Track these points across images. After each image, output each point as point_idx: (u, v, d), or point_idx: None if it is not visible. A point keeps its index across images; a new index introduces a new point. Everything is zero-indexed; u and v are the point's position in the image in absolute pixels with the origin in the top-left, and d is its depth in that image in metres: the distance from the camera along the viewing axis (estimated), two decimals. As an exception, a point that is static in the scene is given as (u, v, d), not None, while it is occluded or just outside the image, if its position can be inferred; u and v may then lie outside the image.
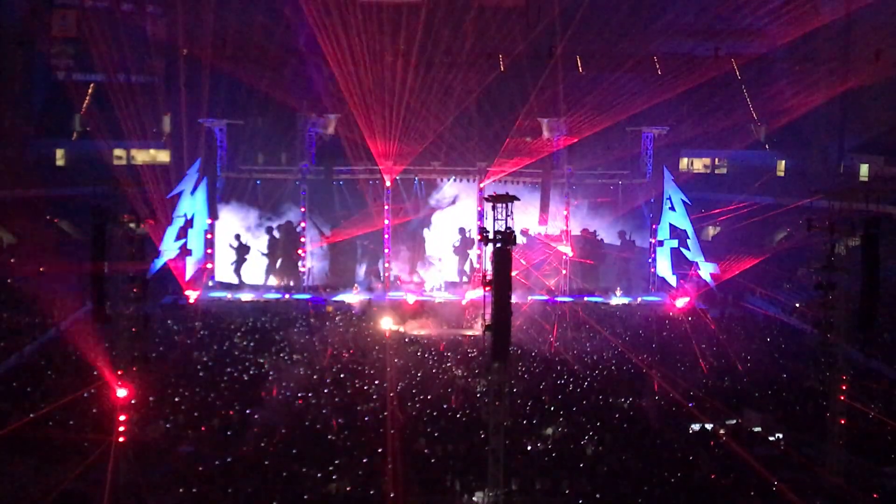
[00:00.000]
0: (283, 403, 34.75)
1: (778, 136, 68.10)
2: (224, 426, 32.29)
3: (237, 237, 57.49)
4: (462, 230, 59.08)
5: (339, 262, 59.09)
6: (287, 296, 55.45)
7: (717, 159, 69.48)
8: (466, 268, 58.84)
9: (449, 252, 59.39)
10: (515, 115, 57.51)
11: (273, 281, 58.07)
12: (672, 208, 55.66)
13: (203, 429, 32.07)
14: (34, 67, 66.17)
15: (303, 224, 57.46)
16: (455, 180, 58.58)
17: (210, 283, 56.36)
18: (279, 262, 58.61)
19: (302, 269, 57.75)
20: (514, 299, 26.47)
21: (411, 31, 57.82)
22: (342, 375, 38.16)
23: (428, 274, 58.67)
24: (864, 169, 65.27)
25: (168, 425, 32.19)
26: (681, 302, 53.32)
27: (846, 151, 67.37)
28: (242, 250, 57.76)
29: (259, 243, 58.76)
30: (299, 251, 57.76)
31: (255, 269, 58.85)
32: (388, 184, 57.04)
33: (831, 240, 29.32)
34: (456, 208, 59.90)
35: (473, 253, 58.48)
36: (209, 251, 56.67)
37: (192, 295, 53.21)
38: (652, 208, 57.44)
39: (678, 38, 63.12)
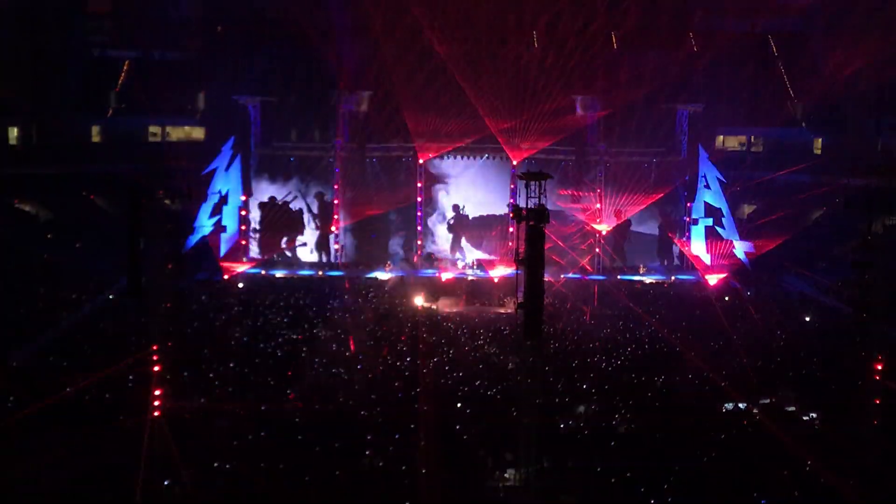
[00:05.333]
0: (316, 379, 34.94)
1: (815, 113, 67.35)
2: (258, 401, 32.50)
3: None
4: (456, 207, 59.31)
5: (363, 240, 59.37)
6: (321, 272, 55.78)
7: (752, 137, 68.82)
8: (464, 244, 59.33)
9: (443, 229, 59.68)
10: (549, 92, 57.16)
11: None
12: (707, 186, 55.33)
13: (237, 404, 32.30)
14: (70, 44, 66.48)
15: (336, 201, 57.57)
16: (488, 158, 58.50)
17: (244, 259, 56.71)
18: (265, 237, 58.75)
19: (336, 247, 58.01)
20: (546, 277, 26.40)
21: (446, 6, 57.51)
22: (375, 352, 38.33)
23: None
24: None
25: (203, 400, 32.45)
26: (714, 280, 53.05)
27: (883, 129, 66.48)
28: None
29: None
30: (332, 227, 58.01)
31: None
32: (421, 161, 57.11)
33: (868, 218, 29.00)
34: (450, 186, 59.97)
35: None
36: (243, 227, 57.00)
37: (239, 268, 54.05)
38: (687, 186, 57.15)
39: (714, 14, 62.43)
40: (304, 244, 59.02)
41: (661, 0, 58.20)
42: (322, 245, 59.04)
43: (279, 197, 58.67)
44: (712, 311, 46.52)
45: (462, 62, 55.59)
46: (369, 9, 56.29)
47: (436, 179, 59.49)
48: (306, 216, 59.10)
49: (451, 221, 59.40)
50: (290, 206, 58.69)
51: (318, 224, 58.91)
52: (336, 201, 57.57)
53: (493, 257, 57.05)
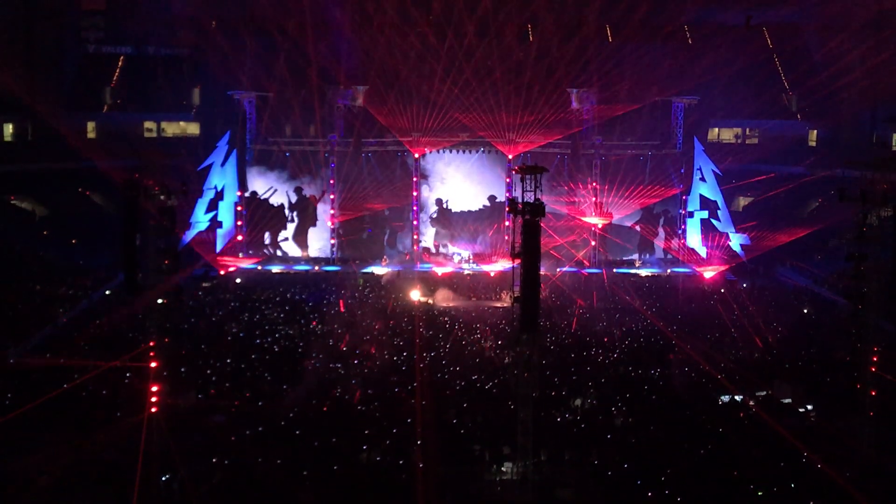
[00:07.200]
0: (313, 374, 34.96)
1: (810, 105, 67.39)
2: (256, 397, 32.53)
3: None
4: (439, 201, 59.43)
5: (359, 235, 59.53)
6: (317, 268, 55.82)
7: (748, 129, 68.86)
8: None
9: (426, 223, 59.87)
10: (544, 85, 57.12)
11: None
12: (703, 179, 55.39)
13: (235, 399, 32.32)
14: (65, 41, 66.47)
15: (332, 196, 57.59)
16: (482, 152, 58.51)
17: (240, 255, 56.76)
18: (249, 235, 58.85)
19: (332, 241, 58.04)
20: (542, 270, 26.45)
21: (441, 2, 57.51)
22: (371, 347, 38.36)
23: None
24: (896, 139, 64.53)
25: (200, 395, 32.48)
26: (709, 273, 53.13)
27: (878, 121, 66.54)
28: None
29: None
30: (328, 222, 58.10)
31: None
32: (416, 156, 57.15)
33: (863, 210, 28.99)
34: (433, 180, 60.02)
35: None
36: (239, 223, 57.02)
37: (235, 263, 54.04)
38: (682, 179, 57.20)
39: (709, 7, 62.46)
40: (287, 239, 59.09)
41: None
42: (300, 238, 59.03)
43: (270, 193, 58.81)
44: (708, 304, 46.62)
45: (456, 58, 55.62)
46: (363, 5, 56.33)
47: (424, 175, 59.51)
48: (287, 210, 59.16)
49: (434, 215, 59.52)
50: (272, 200, 58.70)
51: (296, 217, 58.94)
52: (332, 196, 57.59)
53: (472, 251, 57.39)
